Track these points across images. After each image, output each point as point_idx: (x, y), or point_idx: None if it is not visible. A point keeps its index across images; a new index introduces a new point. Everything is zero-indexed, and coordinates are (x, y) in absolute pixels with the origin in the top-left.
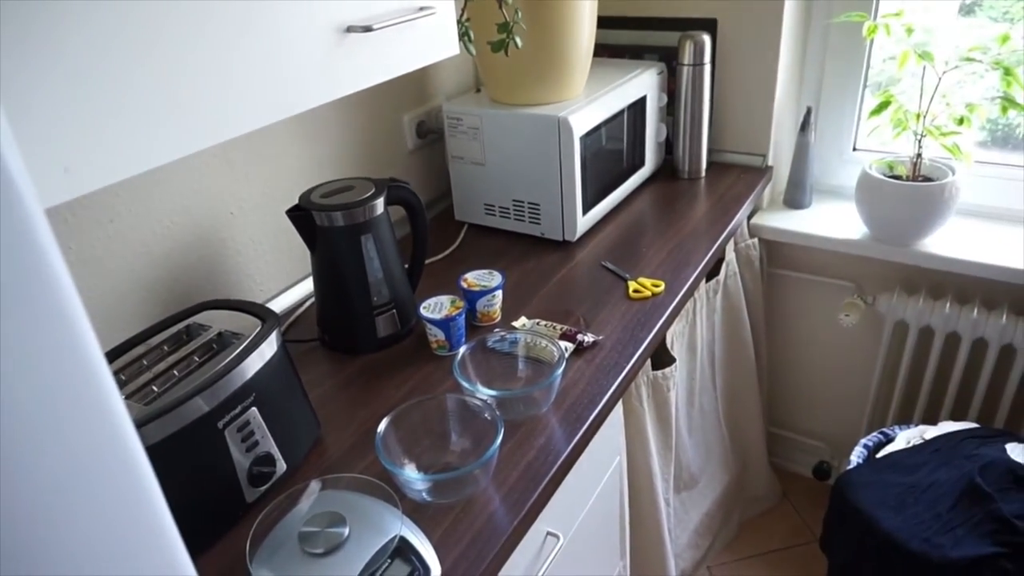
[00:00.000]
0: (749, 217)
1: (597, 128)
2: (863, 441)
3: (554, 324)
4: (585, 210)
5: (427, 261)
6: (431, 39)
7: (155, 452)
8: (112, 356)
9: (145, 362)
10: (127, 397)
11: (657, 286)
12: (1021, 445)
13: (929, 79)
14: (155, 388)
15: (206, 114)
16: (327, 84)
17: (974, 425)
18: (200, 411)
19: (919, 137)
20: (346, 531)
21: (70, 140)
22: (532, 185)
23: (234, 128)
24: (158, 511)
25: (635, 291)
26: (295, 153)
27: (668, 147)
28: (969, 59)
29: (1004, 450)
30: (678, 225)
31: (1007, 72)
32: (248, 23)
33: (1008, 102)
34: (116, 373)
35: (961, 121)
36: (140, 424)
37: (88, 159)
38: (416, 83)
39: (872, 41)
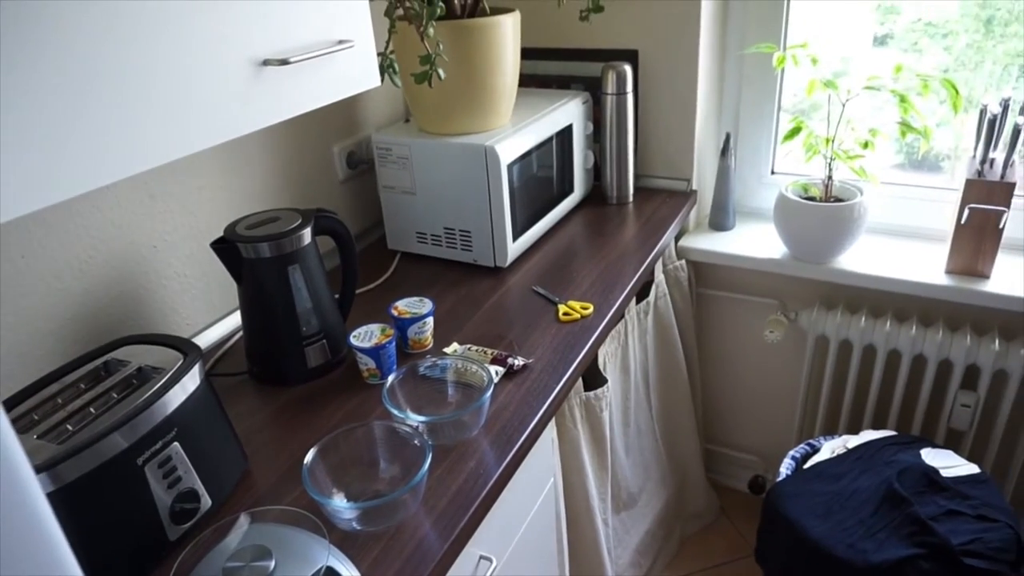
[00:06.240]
0: (677, 240)
1: (525, 156)
2: (791, 453)
3: (485, 349)
4: (515, 236)
5: (360, 290)
6: (352, 71)
7: (70, 492)
8: (24, 396)
9: (59, 400)
10: (39, 437)
11: (586, 308)
12: (935, 450)
13: (837, 106)
14: (70, 427)
15: (113, 146)
16: (245, 116)
17: (892, 433)
18: (118, 448)
19: (829, 160)
20: (271, 564)
21: None
22: (463, 213)
23: (146, 160)
24: (60, 558)
25: (564, 314)
26: (222, 185)
27: (596, 173)
28: (870, 88)
29: (919, 455)
30: (607, 249)
31: (903, 99)
32: (156, 54)
33: (905, 126)
34: (28, 412)
35: (866, 145)
36: (53, 464)
37: None
38: (345, 114)
39: (783, 70)
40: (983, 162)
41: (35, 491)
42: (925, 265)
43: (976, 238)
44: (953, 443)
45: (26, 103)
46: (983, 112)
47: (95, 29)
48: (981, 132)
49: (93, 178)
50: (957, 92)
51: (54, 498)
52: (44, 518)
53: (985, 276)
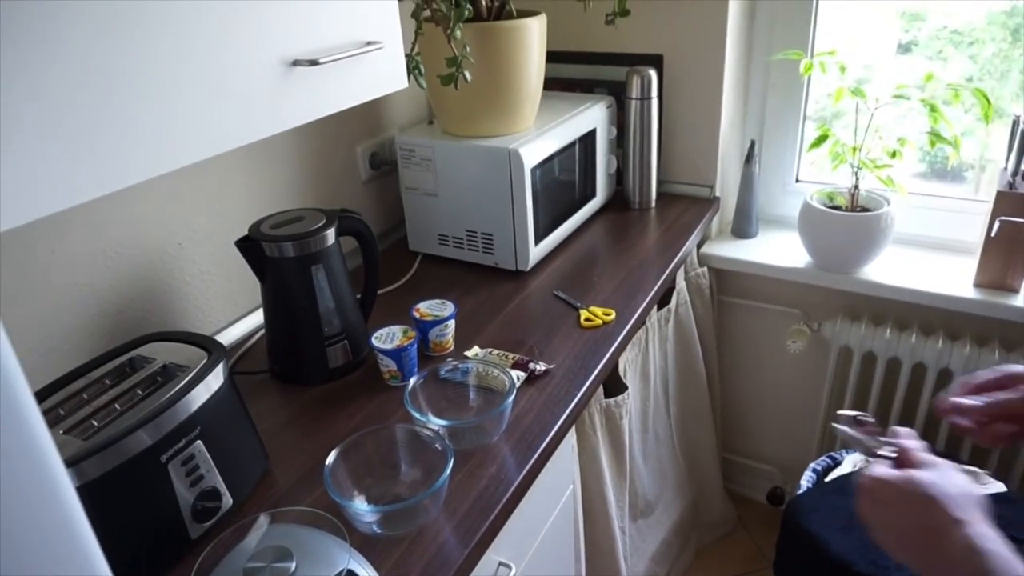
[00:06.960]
0: (699, 247)
1: (548, 160)
2: (812, 465)
3: (506, 353)
4: (537, 240)
5: (381, 291)
6: (380, 73)
7: (94, 488)
8: (51, 390)
9: (85, 396)
10: (65, 432)
11: (608, 314)
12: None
13: (864, 114)
14: (95, 423)
15: (145, 145)
16: (274, 116)
17: None
18: (143, 445)
19: (855, 169)
20: (292, 566)
21: None
22: (485, 216)
23: (175, 160)
24: (88, 552)
25: (586, 320)
26: (246, 184)
27: (619, 178)
28: (899, 96)
29: None
30: (629, 255)
31: (933, 109)
32: (186, 52)
33: (935, 136)
34: (55, 408)
35: (893, 154)
36: (79, 459)
37: (16, 192)
38: (369, 115)
39: (810, 77)
40: (1015, 174)
41: (66, 486)
42: (953, 278)
43: (1006, 251)
44: (978, 461)
45: (55, 100)
46: (1016, 123)
47: (125, 26)
48: (1013, 143)
49: (123, 176)
50: (989, 102)
51: (78, 494)
52: (74, 513)
53: (1015, 290)
